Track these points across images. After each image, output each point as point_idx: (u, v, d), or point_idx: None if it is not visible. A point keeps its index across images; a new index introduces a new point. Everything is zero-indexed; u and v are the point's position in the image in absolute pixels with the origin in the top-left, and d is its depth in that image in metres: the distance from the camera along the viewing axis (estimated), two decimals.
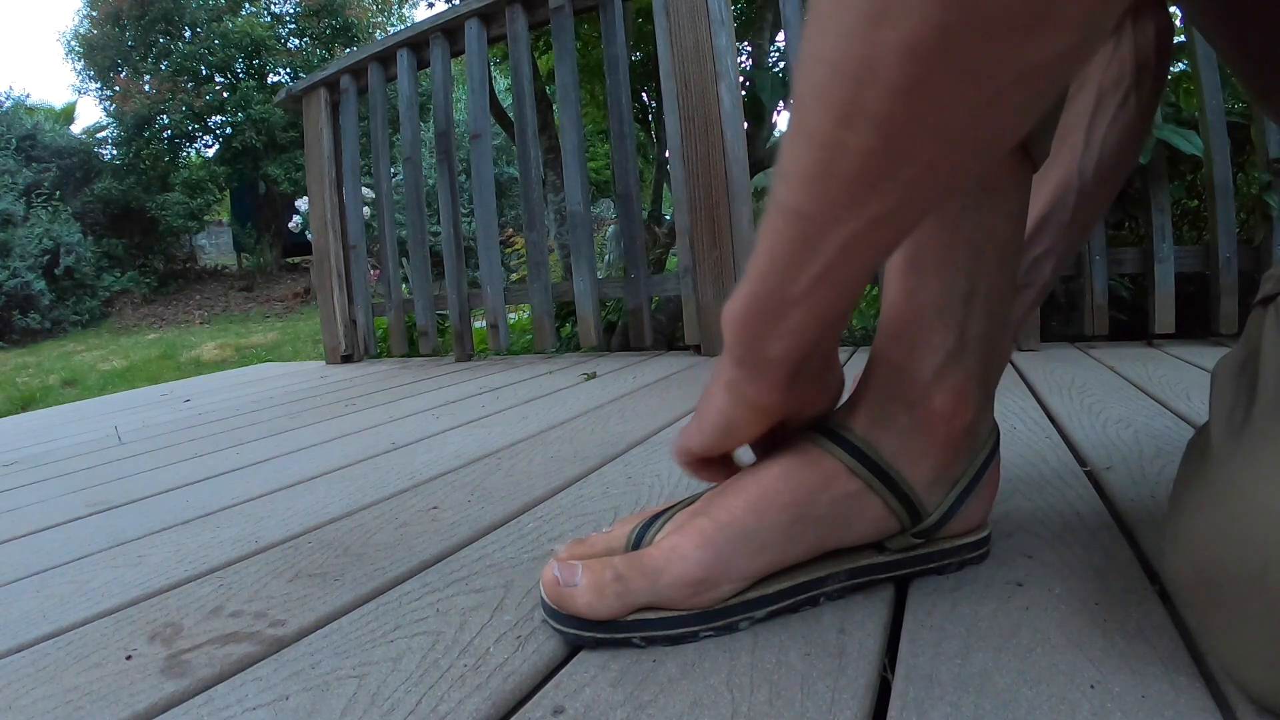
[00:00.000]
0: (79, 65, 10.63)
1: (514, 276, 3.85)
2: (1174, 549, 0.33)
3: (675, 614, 0.38)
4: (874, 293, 1.67)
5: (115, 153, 10.32)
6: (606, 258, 4.19)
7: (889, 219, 0.29)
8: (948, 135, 0.26)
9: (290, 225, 4.17)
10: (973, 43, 0.22)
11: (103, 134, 10.61)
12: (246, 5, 10.67)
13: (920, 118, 0.25)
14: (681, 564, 0.37)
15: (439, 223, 2.08)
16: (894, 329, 0.41)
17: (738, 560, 0.38)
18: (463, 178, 3.15)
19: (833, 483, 0.39)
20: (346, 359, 2.31)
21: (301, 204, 3.14)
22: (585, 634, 0.38)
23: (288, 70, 10.37)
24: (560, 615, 0.39)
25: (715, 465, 0.43)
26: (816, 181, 0.28)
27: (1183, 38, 1.44)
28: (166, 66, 10.11)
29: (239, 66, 10.37)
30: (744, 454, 0.43)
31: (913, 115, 0.25)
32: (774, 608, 0.39)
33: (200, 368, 5.75)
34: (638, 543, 0.41)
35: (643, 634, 0.38)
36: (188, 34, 10.37)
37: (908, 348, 0.40)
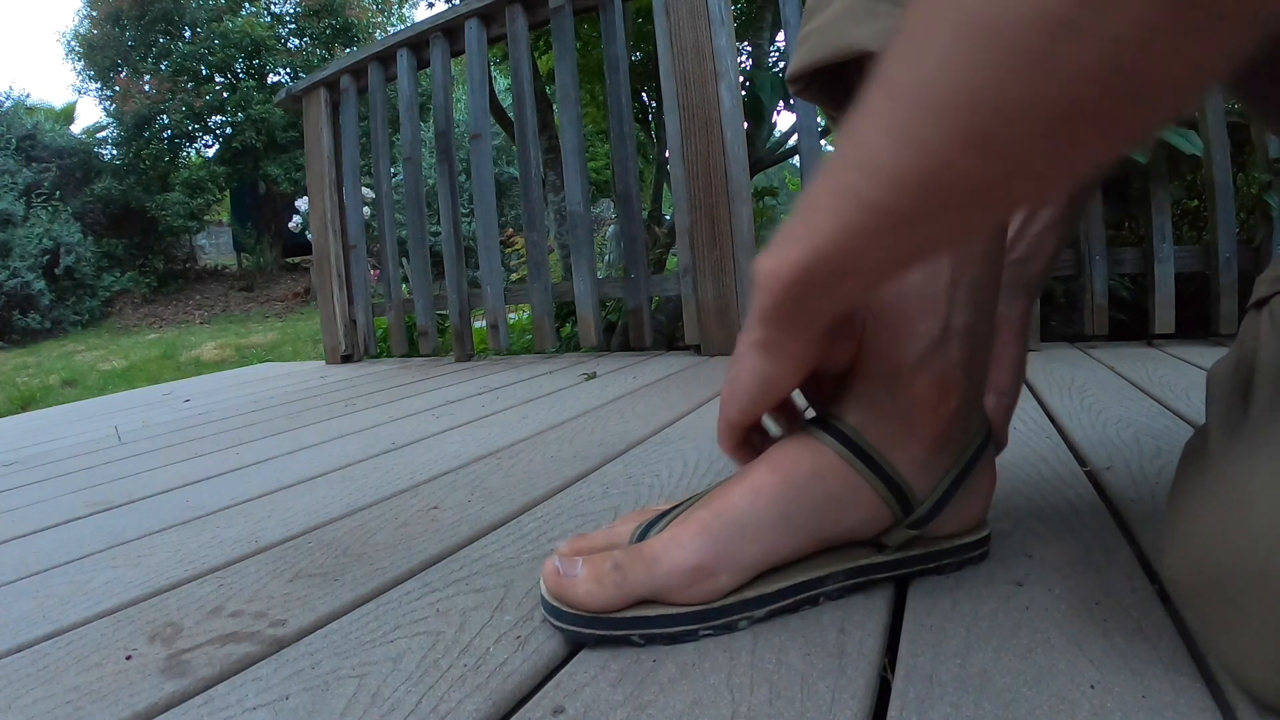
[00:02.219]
0: (79, 65, 10.62)
1: (514, 276, 3.85)
2: (1173, 548, 0.33)
3: (675, 611, 0.38)
4: None
5: (115, 153, 10.31)
6: (606, 258, 4.19)
7: (973, 225, 0.30)
8: (1072, 172, 0.26)
9: (290, 225, 4.17)
10: (1134, 108, 0.23)
11: (103, 134, 10.60)
12: (246, 5, 10.66)
13: (1053, 162, 0.25)
14: (679, 552, 0.38)
15: (439, 223, 2.08)
16: (879, 318, 0.41)
17: (734, 548, 0.38)
18: (463, 178, 3.15)
19: (823, 469, 0.40)
20: (346, 359, 2.31)
21: (301, 204, 3.14)
22: (585, 631, 0.38)
23: (288, 70, 10.36)
24: (561, 613, 0.39)
25: (754, 445, 0.43)
26: (913, 190, 0.27)
27: None
28: (166, 66, 10.10)
29: (239, 66, 10.36)
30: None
31: (1049, 159, 0.25)
32: (773, 607, 0.39)
33: (200, 368, 5.75)
34: (641, 539, 0.41)
35: (642, 631, 0.38)
36: (188, 34, 10.36)
37: (891, 335, 0.41)
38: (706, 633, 0.38)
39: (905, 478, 0.40)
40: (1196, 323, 1.41)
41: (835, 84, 0.43)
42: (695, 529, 0.39)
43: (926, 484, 0.41)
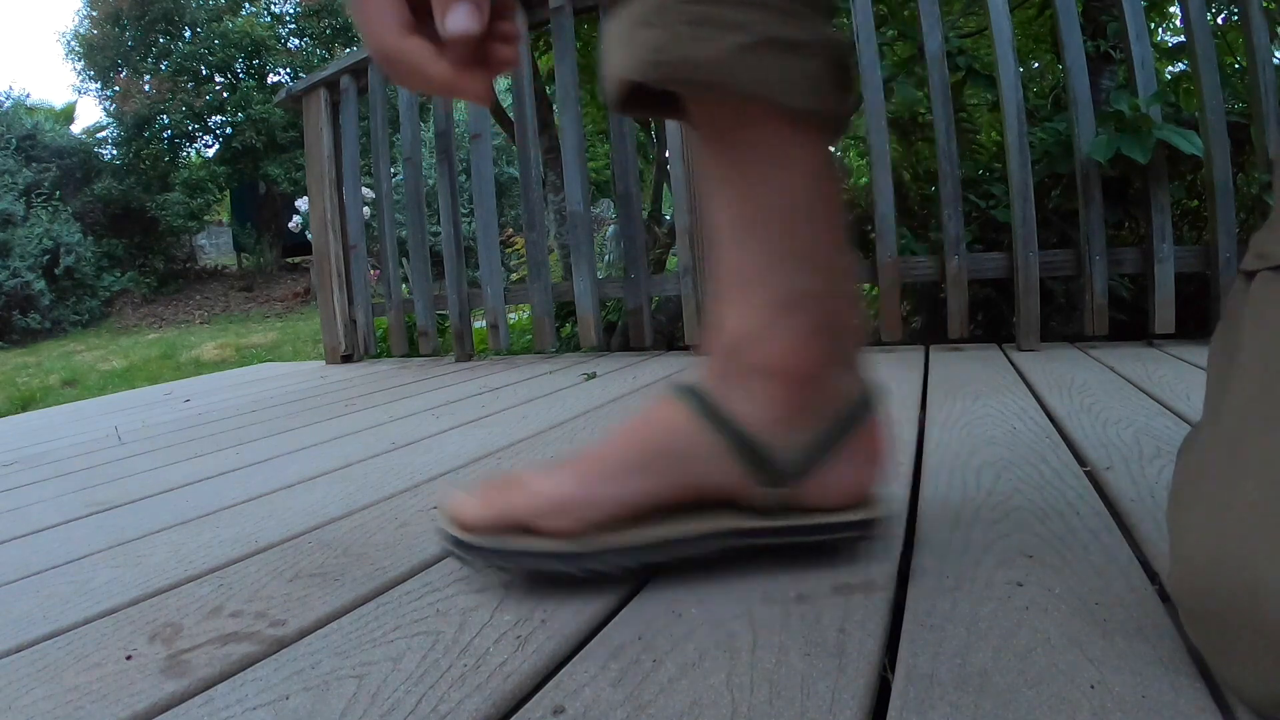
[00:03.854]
0: (79, 65, 10.63)
1: (514, 276, 3.85)
2: (1173, 571, 0.33)
3: (555, 550, 0.43)
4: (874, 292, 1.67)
5: (115, 153, 10.31)
6: (606, 258, 4.20)
7: None
8: None
9: (290, 225, 4.17)
10: None
11: (103, 134, 10.60)
12: (246, 5, 10.67)
13: None
14: (549, 485, 0.44)
15: (439, 223, 2.08)
16: (717, 294, 0.45)
17: (594, 485, 0.44)
18: (463, 178, 3.15)
19: (677, 423, 0.44)
20: (346, 359, 2.31)
21: (301, 204, 3.14)
22: (464, 554, 0.45)
23: (288, 70, 10.37)
24: (453, 538, 0.45)
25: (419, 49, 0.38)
26: None
27: (1182, 38, 1.44)
28: (166, 66, 10.11)
29: (239, 66, 10.36)
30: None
31: None
32: (647, 560, 0.44)
33: (200, 368, 5.75)
34: None
35: (520, 561, 0.45)
36: (188, 34, 10.37)
37: (729, 308, 0.45)
38: (582, 571, 0.44)
39: (759, 437, 0.43)
40: (1196, 323, 1.41)
41: (645, 97, 0.45)
42: (567, 469, 0.45)
43: (783, 441, 0.43)
